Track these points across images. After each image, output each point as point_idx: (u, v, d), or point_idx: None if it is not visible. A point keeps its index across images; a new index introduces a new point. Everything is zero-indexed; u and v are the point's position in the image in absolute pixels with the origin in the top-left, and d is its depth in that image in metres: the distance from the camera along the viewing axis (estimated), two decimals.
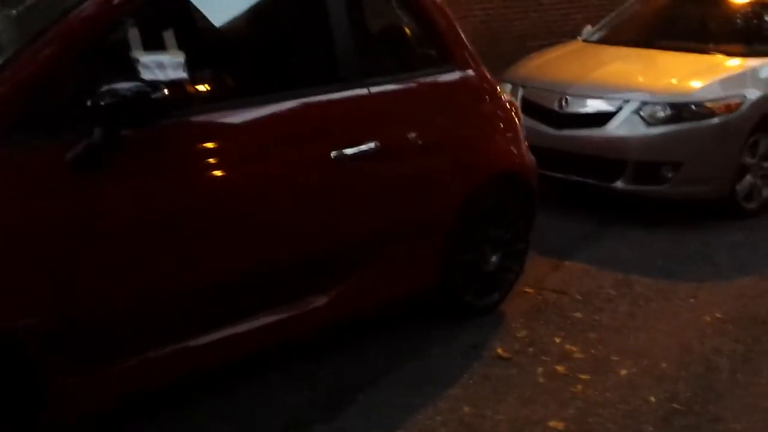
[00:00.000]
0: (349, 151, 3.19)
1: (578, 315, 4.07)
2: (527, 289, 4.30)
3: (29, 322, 2.44)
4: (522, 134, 4.10)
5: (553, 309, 4.12)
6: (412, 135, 3.44)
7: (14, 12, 2.79)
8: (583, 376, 3.50)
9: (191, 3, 2.93)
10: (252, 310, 3.06)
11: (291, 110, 3.09)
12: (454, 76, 3.73)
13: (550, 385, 3.43)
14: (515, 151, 3.99)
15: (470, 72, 3.79)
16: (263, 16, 3.28)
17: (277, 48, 3.27)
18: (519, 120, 4.10)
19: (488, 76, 3.90)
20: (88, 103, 2.49)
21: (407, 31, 3.75)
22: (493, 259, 3.96)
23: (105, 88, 2.51)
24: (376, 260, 3.41)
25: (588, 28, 6.83)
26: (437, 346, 3.68)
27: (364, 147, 3.24)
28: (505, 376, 3.47)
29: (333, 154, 3.14)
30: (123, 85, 2.54)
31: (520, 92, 5.83)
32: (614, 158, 5.34)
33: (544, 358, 3.64)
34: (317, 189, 3.13)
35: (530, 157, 4.12)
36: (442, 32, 3.70)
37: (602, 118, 5.39)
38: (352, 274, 3.33)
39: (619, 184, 5.33)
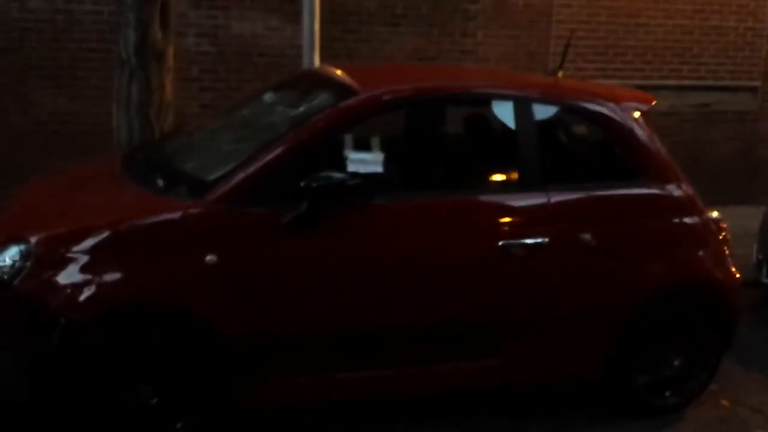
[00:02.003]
0: (517, 242, 3.82)
1: None
2: (723, 401, 4.40)
3: (239, 331, 3.47)
4: (725, 250, 4.30)
5: (737, 424, 4.20)
6: (587, 236, 3.94)
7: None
8: None
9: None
10: (416, 360, 3.79)
11: (467, 204, 3.84)
12: (645, 189, 4.13)
13: None
14: (710, 265, 4.21)
15: (666, 187, 4.15)
16: (459, 127, 4.09)
17: (466, 153, 4.04)
18: (723, 236, 4.31)
19: (688, 192, 4.20)
20: (302, 184, 3.50)
21: (599, 145, 4.26)
22: (676, 363, 4.20)
23: (321, 174, 3.51)
24: (537, 340, 3.93)
25: None
26: (597, 428, 4.03)
27: (532, 240, 3.84)
28: None
29: (501, 243, 3.80)
30: (331, 174, 3.53)
31: None
32: None
33: None
34: (482, 269, 3.79)
35: (731, 273, 4.29)
36: (636, 149, 4.14)
37: None
38: (512, 348, 3.90)
39: None
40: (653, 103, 4.35)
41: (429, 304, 3.74)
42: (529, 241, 3.85)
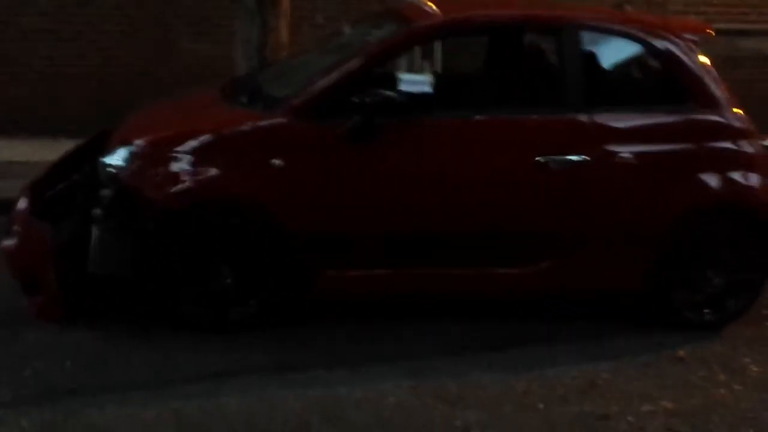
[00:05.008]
0: (555, 158, 4.18)
1: None
2: None
3: (301, 226, 4.08)
4: None
5: None
6: (627, 156, 4.23)
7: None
8: (737, 387, 3.85)
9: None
10: (460, 263, 4.26)
11: (508, 122, 4.25)
12: (691, 114, 4.35)
13: (698, 383, 3.88)
14: (755, 188, 4.37)
15: (712, 114, 4.36)
16: (510, 54, 4.46)
17: (514, 78, 4.41)
18: None
19: (737, 119, 4.37)
20: (355, 100, 4.05)
21: (648, 71, 4.49)
22: (716, 281, 4.41)
23: (372, 91, 4.04)
24: (580, 252, 4.27)
25: None
26: (630, 335, 4.35)
27: (571, 157, 4.19)
28: (665, 368, 4.01)
29: (538, 158, 4.17)
30: (381, 91, 4.05)
31: None
32: None
33: (716, 367, 4.03)
34: (519, 182, 4.20)
35: None
36: (685, 75, 4.36)
37: None
38: (555, 257, 4.27)
39: None
40: (707, 31, 4.51)
41: (469, 213, 4.20)
42: (570, 157, 4.20)
